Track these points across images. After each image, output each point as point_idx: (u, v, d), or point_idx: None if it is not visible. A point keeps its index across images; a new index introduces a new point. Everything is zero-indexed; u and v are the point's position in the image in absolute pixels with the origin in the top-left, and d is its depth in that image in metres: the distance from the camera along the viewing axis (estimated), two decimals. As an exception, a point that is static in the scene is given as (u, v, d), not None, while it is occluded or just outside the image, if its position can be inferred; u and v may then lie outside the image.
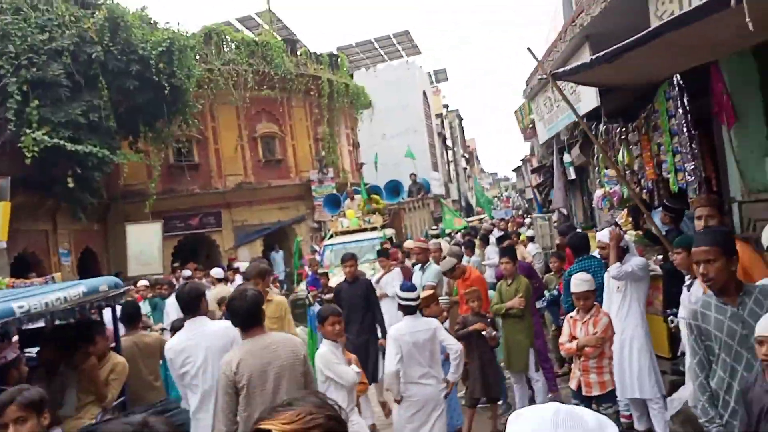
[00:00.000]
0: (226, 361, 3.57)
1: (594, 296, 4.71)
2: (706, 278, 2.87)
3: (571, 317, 4.88)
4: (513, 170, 55.06)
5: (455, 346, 5.06)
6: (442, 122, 43.42)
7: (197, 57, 18.96)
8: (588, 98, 6.37)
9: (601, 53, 3.57)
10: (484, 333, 5.69)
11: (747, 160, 5.46)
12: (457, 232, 16.14)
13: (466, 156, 55.74)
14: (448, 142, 45.32)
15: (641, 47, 3.28)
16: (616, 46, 3.42)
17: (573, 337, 4.81)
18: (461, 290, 6.57)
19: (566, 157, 9.53)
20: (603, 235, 5.27)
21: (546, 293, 7.54)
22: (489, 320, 5.88)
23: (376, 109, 28.43)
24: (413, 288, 5.19)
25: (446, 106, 46.44)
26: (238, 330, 3.76)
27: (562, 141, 12.56)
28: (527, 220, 19.17)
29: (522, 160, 52.44)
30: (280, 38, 23.21)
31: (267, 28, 25.47)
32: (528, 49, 5.20)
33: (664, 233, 5.99)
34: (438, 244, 8.92)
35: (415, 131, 34.01)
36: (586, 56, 6.09)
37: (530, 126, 26.61)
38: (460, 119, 52.71)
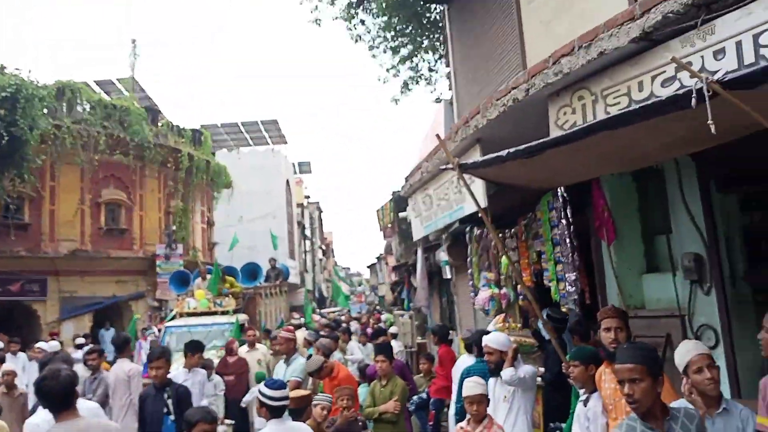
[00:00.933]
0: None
1: (487, 403, 4.37)
2: (630, 399, 2.62)
3: (462, 428, 4.47)
4: (367, 266, 55.76)
5: None
6: (302, 212, 43.30)
7: (45, 110, 17.37)
8: (472, 200, 6.35)
9: (522, 147, 3.44)
10: (356, 437, 5.10)
11: (625, 276, 5.61)
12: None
13: (323, 248, 55.72)
14: (307, 232, 45.09)
15: (568, 144, 3.17)
16: (543, 140, 3.29)
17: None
18: (328, 390, 5.96)
19: (442, 256, 9.50)
20: (494, 340, 5.02)
21: (414, 396, 7.14)
22: (361, 422, 5.31)
23: (237, 191, 27.71)
24: (282, 385, 4.49)
25: (307, 197, 46.60)
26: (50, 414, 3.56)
27: (429, 241, 12.72)
28: (383, 316, 18.99)
29: (377, 257, 53.66)
30: (141, 106, 22.13)
31: (127, 94, 24.24)
32: (437, 135, 5.06)
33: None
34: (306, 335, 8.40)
35: (274, 217, 33.41)
36: (476, 157, 6.12)
37: (389, 225, 27.41)
38: (320, 211, 53.01)
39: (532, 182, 4.97)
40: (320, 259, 53.28)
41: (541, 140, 3.31)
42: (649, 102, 2.95)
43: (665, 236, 5.14)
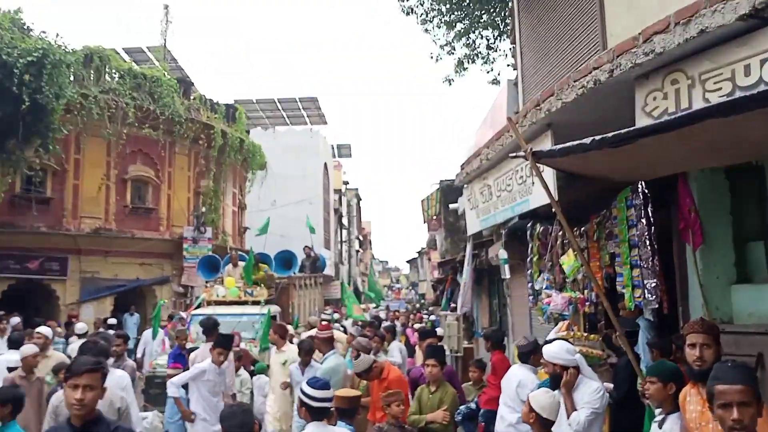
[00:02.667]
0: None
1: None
2: (739, 426, 2.51)
3: None
4: (407, 261, 55.89)
5: None
6: (340, 198, 43.56)
7: (72, 77, 17.77)
8: (541, 193, 6.22)
9: (611, 134, 3.33)
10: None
11: (712, 286, 5.41)
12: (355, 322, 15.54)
13: (360, 238, 55.99)
14: (344, 221, 45.34)
15: (666, 132, 3.05)
16: (638, 127, 3.18)
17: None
18: (376, 393, 5.96)
19: (501, 253, 9.38)
20: (551, 353, 4.86)
21: (461, 406, 7.09)
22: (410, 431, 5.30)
23: (271, 173, 28.00)
24: (326, 384, 4.47)
25: (346, 183, 46.82)
26: None
27: (480, 236, 12.59)
28: (429, 317, 18.97)
29: (419, 252, 53.67)
30: (172, 77, 22.45)
31: (158, 64, 24.61)
32: (508, 119, 4.97)
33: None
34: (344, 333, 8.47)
35: (310, 203, 33.69)
36: (547, 144, 6.00)
37: (435, 217, 27.31)
38: (359, 199, 53.23)
39: (613, 174, 4.85)
40: (357, 251, 53.53)
41: (636, 128, 3.20)
42: None
43: (762, 242, 4.93)
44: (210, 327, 8.39)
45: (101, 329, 13.54)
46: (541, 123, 6.08)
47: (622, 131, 3.27)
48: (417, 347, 10.18)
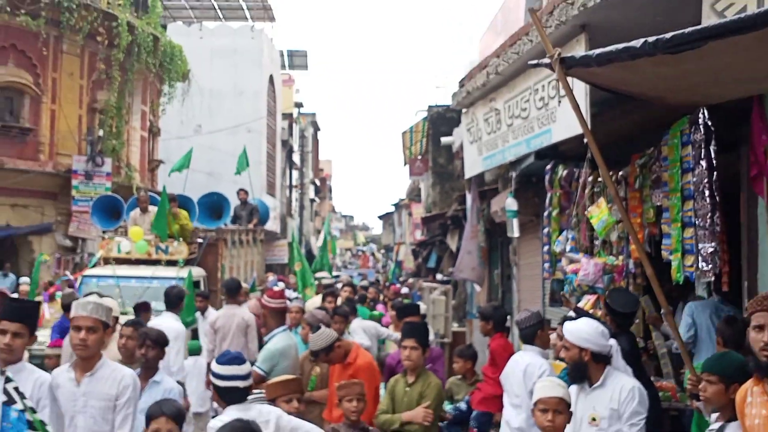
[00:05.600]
0: None
1: (568, 418, 4.37)
2: None
3: None
4: (379, 217, 55.93)
5: None
6: (291, 126, 43.22)
7: None
8: (568, 121, 6.25)
9: (671, 34, 3.32)
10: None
11: (791, 253, 5.54)
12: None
13: (317, 183, 55.81)
14: (296, 158, 45.11)
15: (749, 32, 3.06)
16: (713, 23, 3.17)
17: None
18: (334, 380, 6.02)
19: (509, 204, 9.40)
20: (575, 330, 4.94)
21: (447, 405, 7.21)
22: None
23: (195, 86, 27.58)
24: (236, 358, 4.66)
25: (299, 105, 46.41)
26: None
27: (483, 182, 12.67)
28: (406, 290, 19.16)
29: (395, 204, 53.78)
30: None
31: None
32: (530, 10, 4.93)
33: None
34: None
35: (249, 131, 33.34)
36: (580, 51, 5.99)
37: (420, 156, 27.36)
38: (316, 128, 52.91)
39: (667, 96, 4.86)
40: (312, 200, 53.50)
41: (706, 25, 3.19)
42: None
43: None
44: (233, 288, 10.22)
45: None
46: (572, 23, 6.06)
47: (688, 30, 3.26)
48: (392, 328, 10.31)
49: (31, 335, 4.83)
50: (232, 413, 4.38)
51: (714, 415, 4.19)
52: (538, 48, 6.54)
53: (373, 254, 50.08)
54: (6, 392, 4.21)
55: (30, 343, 4.93)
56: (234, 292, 9.99)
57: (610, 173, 6.96)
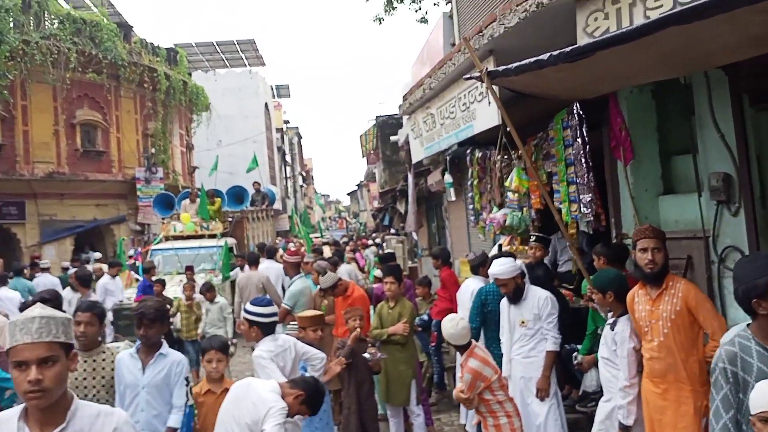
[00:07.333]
0: None
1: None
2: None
3: None
4: (347, 194, 55.46)
5: (318, 355, 4.40)
6: (282, 137, 42.50)
7: (12, 24, 16.32)
8: (485, 118, 6.03)
9: (569, 49, 3.12)
10: (367, 355, 4.96)
11: (641, 198, 5.41)
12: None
13: (303, 174, 55.12)
14: (287, 158, 44.43)
15: (622, 44, 2.86)
16: (596, 40, 2.97)
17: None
18: (340, 310, 5.80)
19: (447, 178, 9.22)
20: (501, 271, 4.76)
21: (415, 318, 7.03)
22: (371, 344, 5.17)
23: (214, 114, 26.91)
24: (269, 302, 4.39)
25: (287, 122, 45.66)
26: None
27: (420, 165, 12.44)
28: (375, 240, 18.92)
29: (358, 184, 53.34)
30: (111, 22, 20.92)
31: (96, 10, 22.85)
32: (464, 39, 4.67)
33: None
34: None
35: (254, 142, 32.73)
36: (490, 68, 5.76)
37: (373, 151, 26.92)
38: (300, 137, 52.08)
39: (558, 93, 4.67)
40: (301, 186, 52.82)
41: (595, 40, 2.99)
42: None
43: (690, 156, 4.90)
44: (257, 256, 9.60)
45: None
46: (483, 49, 5.79)
47: (581, 44, 3.06)
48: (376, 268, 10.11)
49: None
50: (268, 342, 4.15)
51: (609, 314, 4.07)
52: (459, 69, 6.29)
53: (346, 219, 49.55)
54: None
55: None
56: (253, 262, 9.23)
57: (512, 152, 6.81)
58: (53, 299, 3.96)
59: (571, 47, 3.14)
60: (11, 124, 18.06)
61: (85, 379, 3.76)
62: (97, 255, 17.23)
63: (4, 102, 16.43)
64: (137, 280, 11.32)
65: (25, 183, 18.14)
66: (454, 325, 4.16)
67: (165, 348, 3.98)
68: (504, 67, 3.85)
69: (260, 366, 3.99)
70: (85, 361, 3.77)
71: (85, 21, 19.54)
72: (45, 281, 10.89)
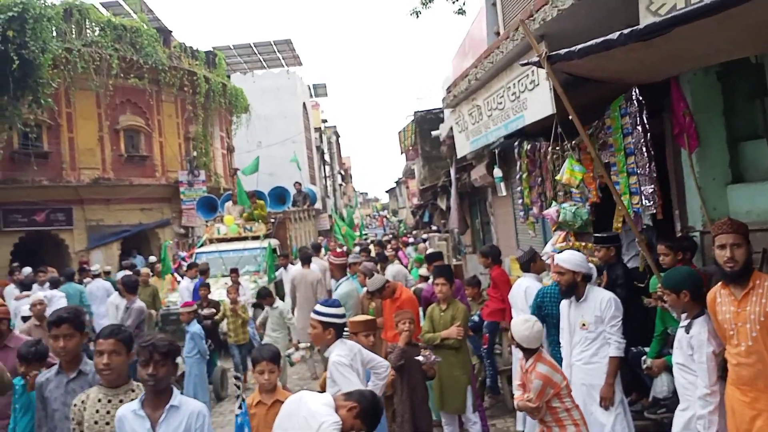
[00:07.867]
0: None
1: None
2: None
3: (519, 358, 4.05)
4: (386, 191, 55.31)
5: (383, 363, 4.24)
6: (321, 136, 42.51)
7: (54, 32, 16.60)
8: (537, 107, 5.73)
9: (642, 26, 2.84)
10: (421, 358, 4.74)
11: (709, 187, 5.07)
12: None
13: (342, 173, 55.15)
14: (326, 157, 44.47)
15: (708, 17, 2.57)
16: (675, 14, 2.68)
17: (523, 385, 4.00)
18: (388, 313, 5.60)
19: (497, 172, 8.91)
20: (567, 259, 4.52)
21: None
22: (424, 348, 4.96)
23: (254, 115, 27.03)
24: (339, 302, 4.23)
25: (325, 121, 45.65)
26: None
27: (463, 160, 12.14)
28: (412, 240, 18.70)
29: (396, 181, 53.13)
30: (151, 27, 21.18)
31: (135, 16, 23.18)
32: (521, 21, 4.41)
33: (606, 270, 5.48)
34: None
35: (293, 142, 32.81)
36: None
37: (411, 147, 26.66)
38: (338, 136, 52.10)
39: (628, 75, 4.34)
40: (340, 185, 52.87)
41: (672, 14, 2.70)
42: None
43: (762, 140, 4.53)
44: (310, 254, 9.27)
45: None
46: (534, 34, 5.48)
47: (657, 20, 2.77)
48: (419, 266, 9.89)
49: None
50: (341, 346, 4.03)
51: (683, 315, 3.74)
52: (508, 56, 6.01)
53: (385, 217, 49.41)
54: None
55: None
56: (306, 260, 9.03)
57: (565, 143, 6.46)
58: (73, 318, 3.56)
59: (645, 24, 2.86)
60: (57, 131, 18.41)
61: (107, 423, 3.03)
62: (142, 259, 17.44)
63: (49, 110, 16.65)
64: (178, 282, 11.34)
65: (72, 189, 18.48)
66: (529, 327, 3.84)
67: (177, 396, 2.97)
68: (566, 50, 3.56)
69: (339, 373, 3.82)
70: (110, 401, 3.08)
71: (125, 27, 19.79)
72: (98, 286, 11.18)
